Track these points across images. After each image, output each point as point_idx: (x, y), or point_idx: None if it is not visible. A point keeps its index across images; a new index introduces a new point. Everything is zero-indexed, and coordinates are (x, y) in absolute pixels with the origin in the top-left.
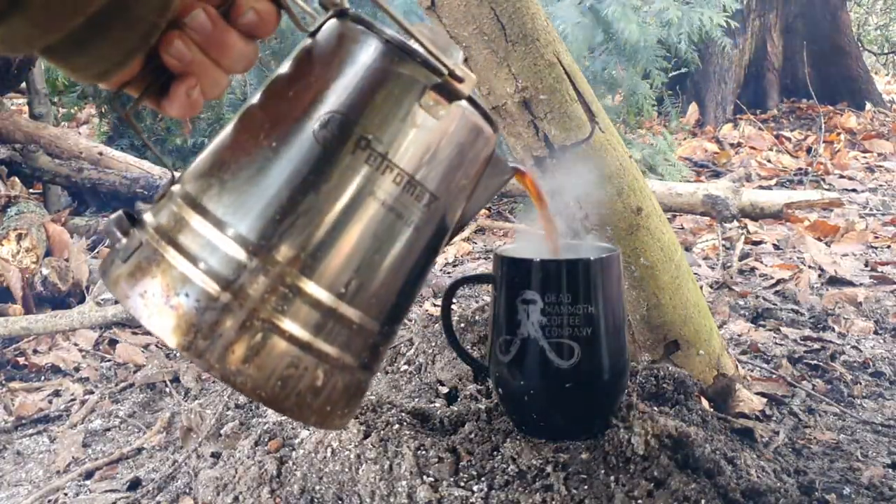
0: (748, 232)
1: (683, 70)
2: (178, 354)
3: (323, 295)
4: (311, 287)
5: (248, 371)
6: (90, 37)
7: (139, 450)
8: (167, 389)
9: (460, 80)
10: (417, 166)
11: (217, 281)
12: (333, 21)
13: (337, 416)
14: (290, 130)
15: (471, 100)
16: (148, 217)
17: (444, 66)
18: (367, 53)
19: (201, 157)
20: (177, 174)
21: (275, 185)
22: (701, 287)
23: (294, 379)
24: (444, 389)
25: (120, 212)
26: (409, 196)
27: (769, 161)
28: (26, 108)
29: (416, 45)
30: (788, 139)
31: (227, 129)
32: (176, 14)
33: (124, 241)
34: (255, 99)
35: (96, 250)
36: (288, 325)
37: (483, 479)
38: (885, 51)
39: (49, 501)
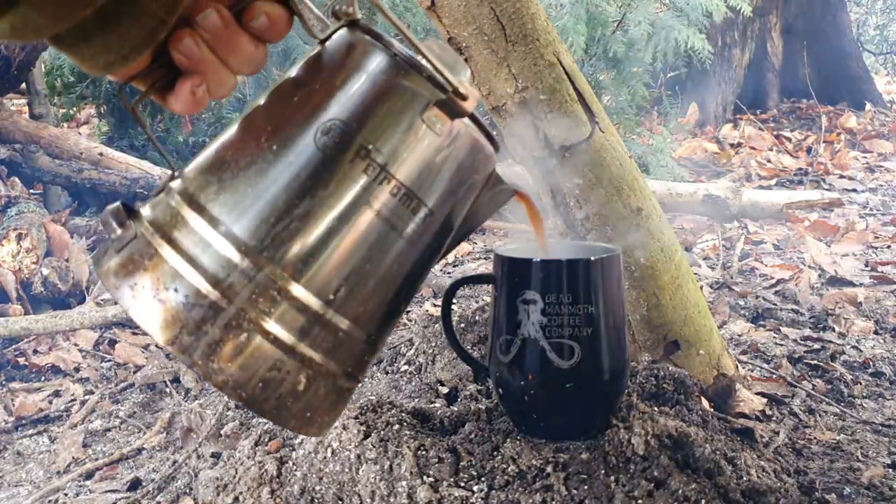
0: (748, 232)
1: (683, 70)
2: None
3: (311, 300)
4: (299, 291)
5: (231, 370)
6: (98, 28)
7: (139, 450)
8: (167, 390)
9: (464, 98)
10: (415, 179)
11: (207, 278)
12: (344, 30)
13: (317, 423)
14: (292, 135)
15: (474, 118)
16: (145, 210)
17: (448, 82)
18: (373, 64)
19: (203, 155)
20: (177, 170)
21: (272, 188)
22: (701, 287)
23: (276, 382)
24: (445, 390)
25: (118, 203)
26: (405, 208)
27: (769, 161)
28: (26, 109)
29: (423, 61)
30: (788, 139)
31: (232, 129)
32: (188, 11)
33: (119, 232)
34: (261, 100)
35: (96, 250)
36: (273, 327)
37: (483, 479)
38: (885, 51)
39: (49, 502)
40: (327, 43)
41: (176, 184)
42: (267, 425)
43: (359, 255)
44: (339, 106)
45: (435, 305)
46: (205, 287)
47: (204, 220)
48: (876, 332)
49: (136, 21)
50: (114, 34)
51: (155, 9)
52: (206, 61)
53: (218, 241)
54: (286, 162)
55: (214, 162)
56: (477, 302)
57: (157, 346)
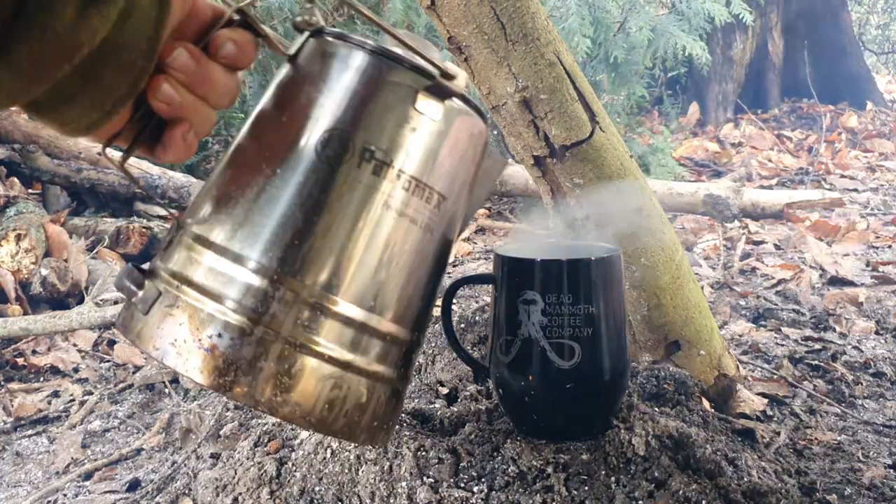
0: (749, 232)
1: (684, 69)
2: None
3: (354, 311)
4: (341, 306)
5: (294, 399)
6: (79, 87)
7: (138, 451)
8: (166, 390)
9: (452, 78)
10: (423, 169)
11: (246, 315)
12: (312, 41)
13: (383, 430)
14: (292, 154)
15: (460, 95)
16: (159, 265)
17: (435, 66)
18: (354, 66)
19: (202, 198)
20: (176, 212)
21: (288, 211)
22: (702, 287)
23: (340, 400)
24: (445, 390)
25: (129, 266)
26: (419, 200)
27: (770, 161)
28: None
29: (400, 50)
30: (789, 139)
31: (222, 167)
32: (157, 57)
33: (140, 293)
34: (244, 133)
35: (95, 251)
36: (325, 346)
37: (483, 480)
38: (886, 50)
39: (48, 502)
40: (298, 57)
41: (185, 231)
42: (266, 426)
43: (388, 257)
44: (331, 115)
45: (435, 306)
46: (246, 324)
47: (227, 259)
48: (877, 333)
49: (117, 72)
50: (96, 90)
51: (134, 57)
52: (188, 104)
53: (247, 276)
54: (294, 182)
55: (220, 200)
56: (477, 302)
57: None
